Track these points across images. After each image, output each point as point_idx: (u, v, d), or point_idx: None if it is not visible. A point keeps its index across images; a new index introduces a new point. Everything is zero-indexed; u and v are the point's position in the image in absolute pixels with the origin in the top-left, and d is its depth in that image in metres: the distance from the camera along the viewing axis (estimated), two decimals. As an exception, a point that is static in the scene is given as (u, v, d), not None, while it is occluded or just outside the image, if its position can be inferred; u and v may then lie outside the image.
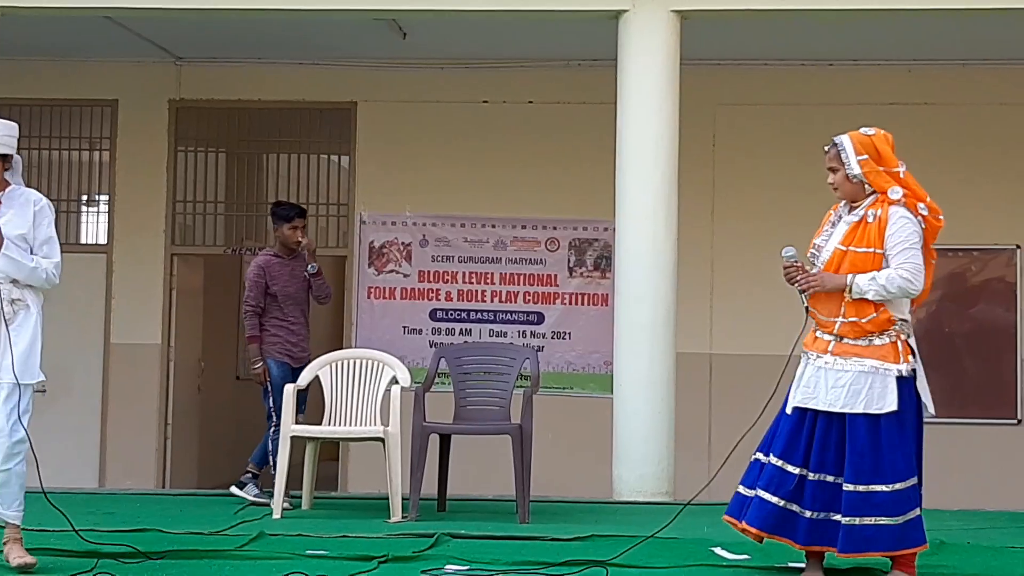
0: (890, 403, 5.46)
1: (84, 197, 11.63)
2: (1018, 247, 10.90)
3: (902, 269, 5.50)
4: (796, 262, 5.70)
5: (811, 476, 5.56)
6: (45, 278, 5.78)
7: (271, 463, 8.03)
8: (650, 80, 8.78)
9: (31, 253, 5.74)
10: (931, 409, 5.56)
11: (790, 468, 5.58)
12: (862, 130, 5.75)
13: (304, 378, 7.98)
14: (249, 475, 8.32)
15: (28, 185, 11.31)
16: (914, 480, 5.51)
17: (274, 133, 11.50)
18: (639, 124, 8.78)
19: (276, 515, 7.49)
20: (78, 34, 10.45)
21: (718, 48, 10.47)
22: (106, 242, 11.40)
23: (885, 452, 5.46)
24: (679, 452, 8.70)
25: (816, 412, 5.62)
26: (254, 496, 8.17)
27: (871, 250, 5.56)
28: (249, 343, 8.42)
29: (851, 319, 5.58)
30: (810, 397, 5.62)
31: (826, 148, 5.77)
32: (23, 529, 5.79)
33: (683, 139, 8.91)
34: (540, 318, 11.09)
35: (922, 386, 5.56)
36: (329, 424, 7.91)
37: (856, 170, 5.65)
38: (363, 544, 6.41)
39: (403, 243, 11.21)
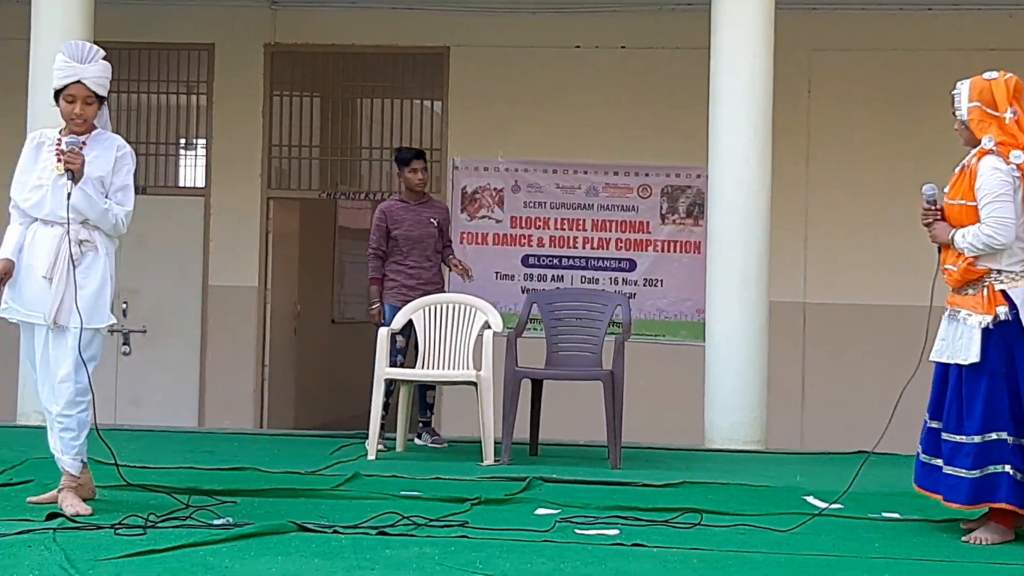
0: (973, 354, 5.40)
1: (183, 141, 11.79)
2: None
3: (985, 224, 5.41)
4: (933, 202, 5.64)
5: (931, 424, 5.59)
6: (114, 223, 5.62)
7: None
8: (744, 25, 8.68)
9: (106, 197, 5.63)
10: None
11: (931, 423, 5.60)
12: (985, 74, 5.61)
13: (398, 321, 8.06)
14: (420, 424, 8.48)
15: (129, 128, 11.66)
16: (1000, 435, 5.41)
17: (368, 78, 11.56)
18: (733, 69, 8.70)
19: (371, 456, 7.60)
20: (176, -21, 10.58)
21: (814, -8, 10.35)
22: (204, 185, 11.55)
23: (966, 403, 5.43)
24: (771, 401, 8.68)
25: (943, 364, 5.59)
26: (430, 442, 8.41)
27: (961, 202, 5.50)
28: (370, 284, 8.56)
29: (947, 267, 5.57)
30: (934, 350, 5.62)
31: (952, 92, 5.67)
32: (121, 466, 5.84)
33: (777, 85, 8.81)
34: (632, 265, 11.08)
35: None
36: (423, 368, 8.00)
37: (964, 116, 5.57)
38: (456, 486, 6.49)
39: (495, 189, 11.24)
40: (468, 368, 7.88)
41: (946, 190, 5.66)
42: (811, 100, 10.94)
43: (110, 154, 5.66)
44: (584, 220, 11.15)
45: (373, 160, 11.62)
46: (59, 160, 5.54)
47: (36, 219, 5.60)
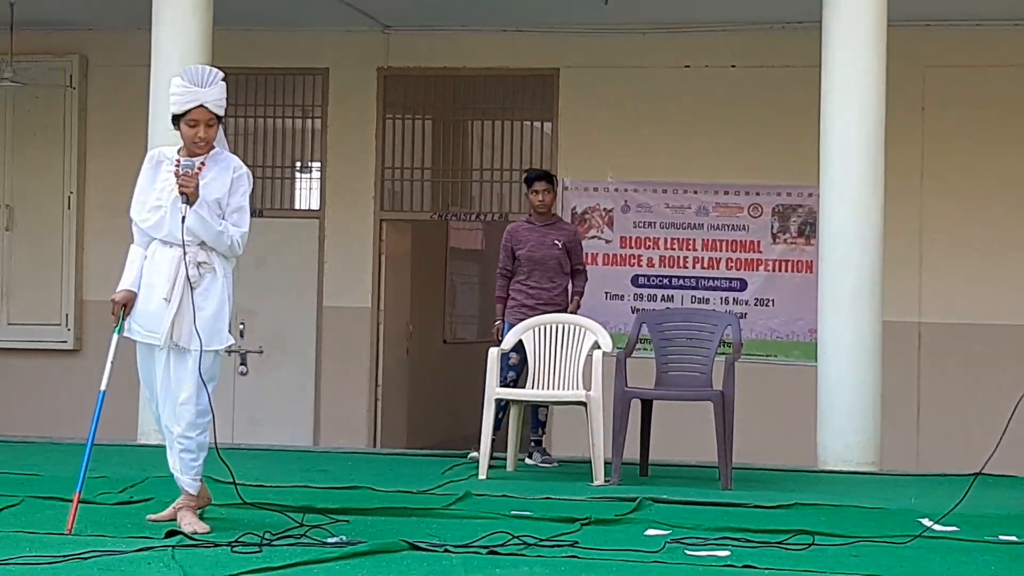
0: None
1: (298, 164, 11.99)
2: None
3: None
4: None
5: None
6: (230, 244, 5.63)
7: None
8: (856, 42, 8.63)
9: (222, 219, 5.65)
10: None
11: None
12: None
13: (508, 341, 8.13)
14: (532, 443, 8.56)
15: (246, 152, 11.89)
16: None
17: (479, 100, 11.67)
18: (845, 87, 8.64)
19: (482, 475, 7.66)
20: (290, 4, 10.79)
21: (926, 8, 10.23)
22: (319, 207, 11.74)
23: None
24: (885, 422, 8.58)
25: None
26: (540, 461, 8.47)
27: None
28: (496, 303, 8.73)
29: None
30: None
31: None
32: (239, 484, 5.95)
33: (890, 103, 8.74)
34: (743, 285, 11.03)
35: None
36: (533, 388, 8.04)
37: None
38: (566, 506, 6.52)
39: (605, 209, 11.27)
40: (578, 388, 7.91)
41: None
42: (925, 117, 10.82)
43: (226, 175, 5.68)
44: (694, 240, 11.13)
45: (484, 181, 11.71)
46: (177, 175, 5.60)
47: (155, 239, 5.66)
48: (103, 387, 5.69)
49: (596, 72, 11.28)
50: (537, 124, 11.66)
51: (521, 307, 8.52)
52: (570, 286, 8.75)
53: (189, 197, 5.55)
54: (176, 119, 5.68)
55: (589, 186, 11.29)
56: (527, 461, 8.52)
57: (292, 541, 5.32)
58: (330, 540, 5.35)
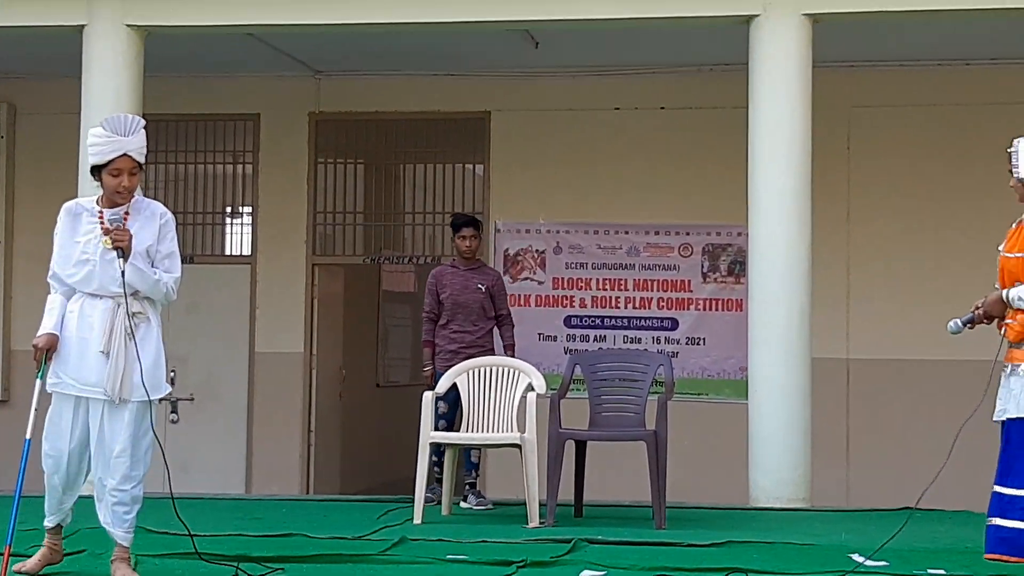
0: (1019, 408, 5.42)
1: (228, 209, 11.96)
2: None
3: None
4: (970, 323, 5.73)
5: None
6: (165, 292, 5.63)
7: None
8: (782, 84, 8.77)
9: (153, 266, 5.62)
10: None
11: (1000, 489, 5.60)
12: None
13: (442, 385, 8.14)
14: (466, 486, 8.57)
15: (176, 198, 11.83)
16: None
17: (410, 144, 11.72)
18: (772, 128, 8.78)
19: (417, 520, 7.65)
20: (221, 51, 10.77)
21: (851, 50, 10.40)
22: (250, 253, 11.71)
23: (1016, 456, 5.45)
24: (816, 458, 8.67)
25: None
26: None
27: (1020, 255, 5.54)
28: (423, 347, 8.79)
29: (1008, 321, 5.62)
30: (997, 410, 5.62)
31: (1008, 150, 5.74)
32: (168, 534, 5.91)
33: (816, 142, 8.88)
34: (674, 324, 11.12)
35: None
36: (467, 431, 8.05)
37: (1022, 174, 5.63)
38: (502, 549, 6.52)
39: (537, 250, 11.33)
40: (512, 430, 7.93)
41: (1001, 246, 5.70)
42: (851, 155, 10.99)
43: (154, 223, 5.64)
44: (626, 280, 11.21)
45: (416, 224, 11.74)
46: (105, 235, 5.53)
47: (81, 292, 5.60)
48: (28, 435, 5.63)
49: (527, 114, 11.37)
50: (469, 167, 11.73)
51: (445, 352, 8.60)
52: (497, 335, 8.78)
53: (124, 251, 5.49)
54: (96, 169, 5.61)
55: (521, 228, 11.35)
56: (462, 504, 8.52)
57: (227, 591, 5.28)
58: (265, 589, 5.33)
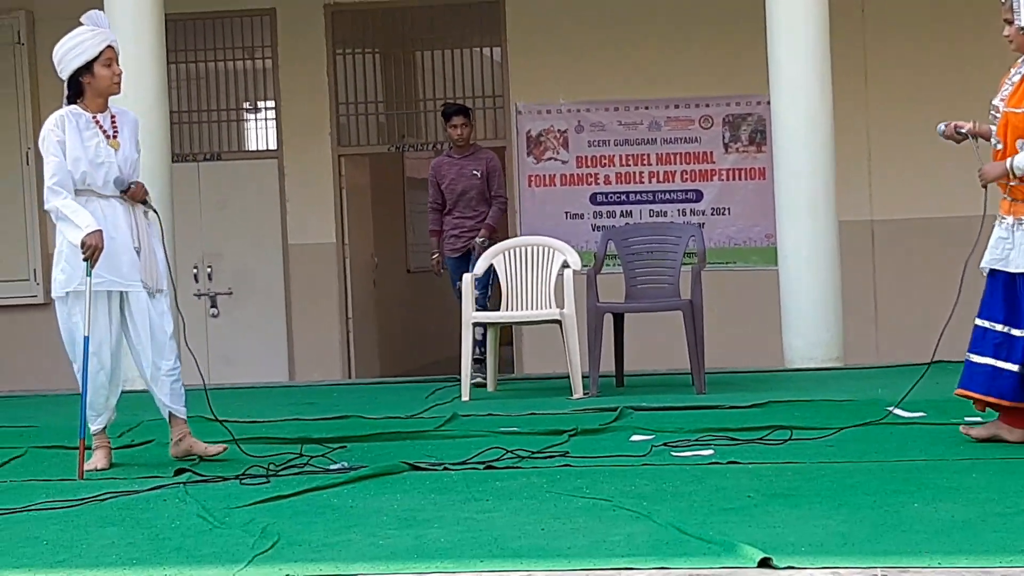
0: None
1: (248, 105, 12.06)
2: None
3: None
4: (962, 135, 5.74)
5: (1015, 332, 5.55)
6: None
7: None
8: (797, -49, 8.80)
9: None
10: None
11: (992, 326, 5.59)
12: None
13: (479, 266, 8.33)
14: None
15: (198, 96, 11.94)
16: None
17: (427, 31, 11.76)
18: (788, -2, 8.83)
19: (464, 397, 7.90)
20: (236, -53, 10.81)
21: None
22: (276, 147, 11.84)
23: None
24: (846, 319, 8.87)
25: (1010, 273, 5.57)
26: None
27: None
28: (430, 236, 9.03)
29: (1012, 183, 5.61)
30: (998, 259, 5.65)
31: (1001, 1, 5.65)
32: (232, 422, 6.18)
33: (833, 8, 8.94)
34: (699, 195, 11.26)
35: None
36: (507, 309, 8.27)
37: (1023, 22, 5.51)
38: (551, 420, 6.78)
39: (559, 130, 11.44)
40: (551, 307, 8.14)
41: (998, 99, 5.63)
42: (866, 19, 11.02)
43: (135, 131, 5.97)
44: (648, 155, 11.33)
45: (436, 111, 11.80)
46: (124, 194, 5.83)
47: (80, 194, 5.74)
48: (86, 332, 5.80)
49: (541, -6, 11.40)
50: (487, 51, 11.78)
51: (449, 237, 8.86)
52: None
53: (146, 200, 5.92)
54: (80, 70, 5.76)
55: (542, 109, 11.45)
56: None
57: (297, 471, 5.54)
58: (333, 467, 5.58)
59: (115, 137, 5.83)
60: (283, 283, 11.67)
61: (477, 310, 8.48)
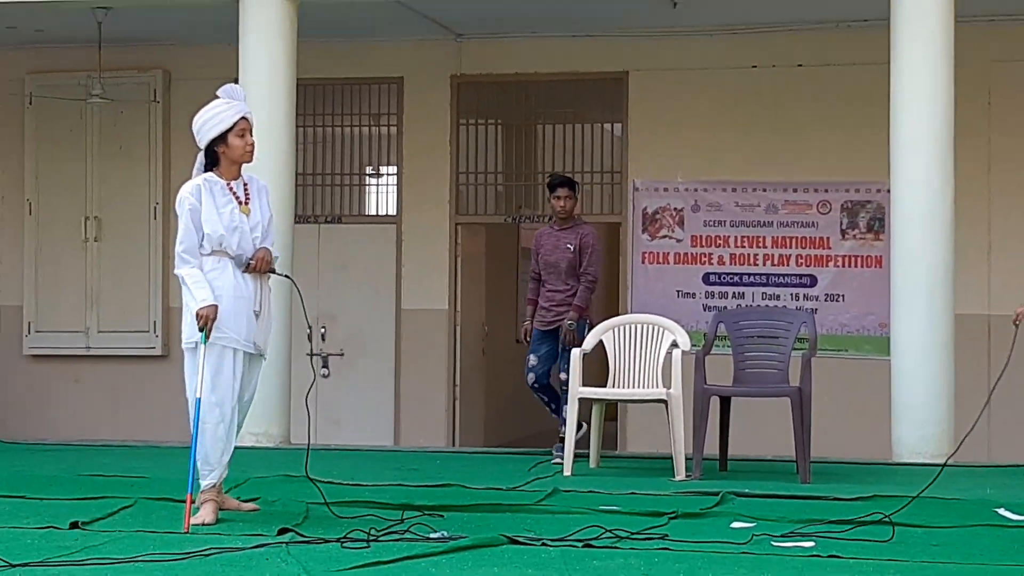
0: None
1: (371, 169, 12.29)
2: None
3: None
4: None
5: None
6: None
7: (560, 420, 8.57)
8: (924, 39, 8.80)
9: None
10: None
11: None
12: None
13: (588, 343, 8.36)
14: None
15: (324, 160, 12.27)
16: None
17: (549, 104, 11.91)
18: (913, 84, 8.82)
19: (567, 472, 7.91)
20: (368, 16, 11.08)
21: (992, 4, 10.34)
22: (395, 212, 12.03)
23: None
24: (958, 414, 8.73)
25: None
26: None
27: None
28: (527, 305, 9.07)
29: None
30: None
31: None
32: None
33: (958, 98, 8.91)
34: (813, 281, 11.20)
35: None
36: (613, 386, 8.28)
37: None
38: (652, 501, 6.75)
39: (675, 209, 11.47)
40: (658, 386, 8.14)
41: None
42: (991, 111, 10.94)
43: (264, 197, 6.26)
44: (764, 237, 11.31)
45: (553, 184, 11.93)
46: (248, 270, 6.13)
47: (224, 256, 6.06)
48: (199, 394, 6.04)
49: (665, 74, 11.50)
50: (607, 126, 11.89)
51: (541, 309, 8.80)
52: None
53: (273, 270, 6.23)
54: (215, 141, 6.11)
55: (659, 186, 11.50)
56: (554, 452, 8.64)
57: (397, 537, 5.59)
58: (433, 535, 5.62)
59: (247, 203, 6.15)
60: (394, 347, 11.82)
61: (530, 382, 8.51)
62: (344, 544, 5.43)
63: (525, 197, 12.10)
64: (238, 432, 6.22)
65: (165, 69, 12.13)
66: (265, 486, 6.71)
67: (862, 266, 11.12)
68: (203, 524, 5.95)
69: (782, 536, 5.78)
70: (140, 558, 5.09)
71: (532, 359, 8.71)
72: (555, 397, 8.65)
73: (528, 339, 8.84)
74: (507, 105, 12.02)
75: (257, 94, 9.37)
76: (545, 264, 8.83)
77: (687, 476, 7.72)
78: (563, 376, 8.56)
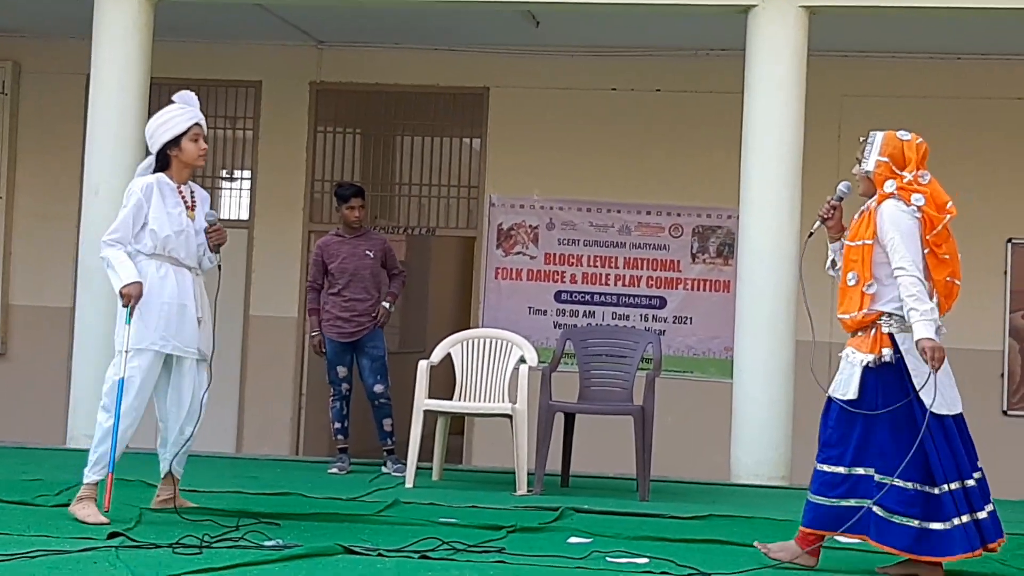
0: (852, 391, 5.58)
1: (223, 172, 12.12)
2: None
3: (902, 270, 5.50)
4: (840, 199, 5.86)
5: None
6: (210, 266, 6.55)
7: (332, 430, 8.77)
8: (777, 73, 8.97)
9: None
10: (928, 402, 5.44)
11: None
12: (899, 133, 5.81)
13: (436, 355, 8.35)
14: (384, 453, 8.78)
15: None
16: (860, 471, 5.55)
17: (409, 116, 11.89)
18: (765, 115, 8.98)
19: (409, 484, 7.88)
20: (227, 18, 10.93)
21: (844, 40, 10.60)
22: (248, 217, 11.88)
23: (830, 433, 5.63)
24: (795, 438, 8.91)
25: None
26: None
27: (860, 243, 5.65)
28: (308, 316, 9.04)
29: (841, 316, 5.80)
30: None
31: (860, 139, 5.85)
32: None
33: (808, 130, 9.10)
34: (662, 302, 11.35)
35: (920, 382, 5.46)
36: (459, 400, 8.29)
37: (869, 167, 5.71)
38: (491, 514, 6.76)
39: (531, 226, 11.54)
40: (504, 401, 8.16)
41: (846, 235, 5.81)
42: (841, 144, 11.19)
43: (206, 205, 6.43)
44: (616, 258, 11.43)
45: (412, 196, 11.93)
46: (208, 233, 6.28)
47: (155, 258, 6.14)
48: (122, 375, 6.12)
49: (525, 92, 11.55)
50: (466, 141, 11.91)
51: (336, 319, 8.73)
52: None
53: (220, 245, 6.32)
54: (168, 144, 6.24)
55: (516, 203, 11.56)
56: (383, 470, 8.68)
57: (231, 544, 5.51)
58: (267, 543, 5.56)
59: (192, 209, 6.27)
60: (240, 354, 11.65)
61: (344, 392, 8.62)
62: (176, 550, 5.33)
63: (381, 207, 12.04)
64: (191, 438, 6.33)
65: (15, 61, 11.83)
66: (100, 488, 6.54)
67: (711, 290, 11.30)
68: (83, 521, 5.96)
69: (616, 552, 5.83)
70: (-40, 558, 4.93)
71: (343, 370, 8.75)
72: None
73: (322, 350, 8.75)
74: (366, 114, 11.97)
75: (109, 91, 9.23)
76: (342, 272, 8.73)
77: (528, 491, 7.75)
78: (379, 388, 8.57)
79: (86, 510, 6.04)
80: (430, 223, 11.85)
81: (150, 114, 9.82)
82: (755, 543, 5.81)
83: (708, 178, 11.11)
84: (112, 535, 5.58)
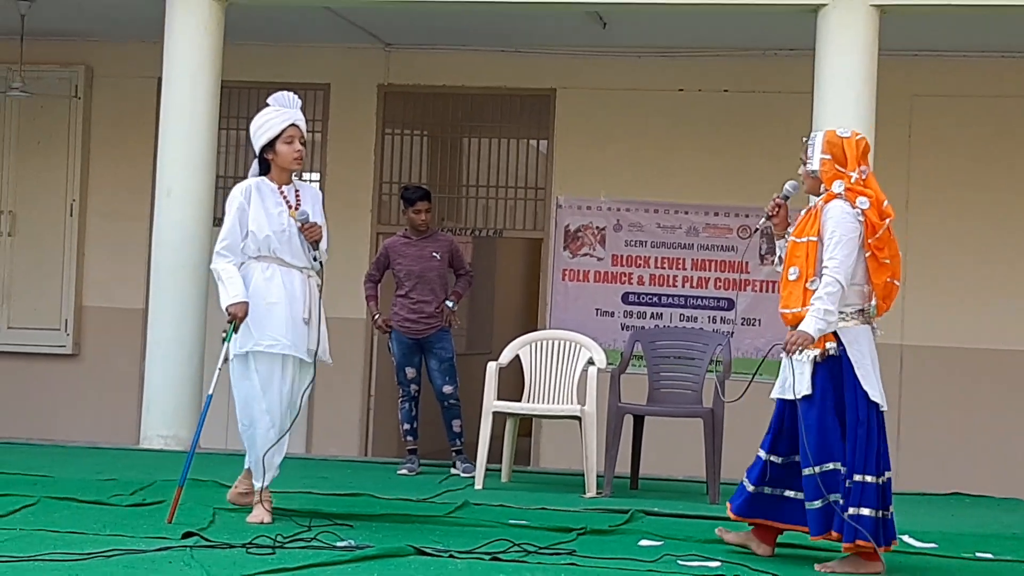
0: (803, 387, 5.56)
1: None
2: None
3: (826, 272, 5.62)
4: (787, 198, 5.92)
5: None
6: (324, 261, 6.47)
7: (401, 431, 8.74)
8: (847, 72, 8.89)
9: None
10: (873, 398, 5.64)
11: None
12: (838, 130, 5.88)
13: (505, 356, 8.36)
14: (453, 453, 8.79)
15: (246, 165, 12.09)
16: (830, 465, 5.61)
17: (476, 117, 11.91)
18: (835, 115, 8.88)
19: (478, 486, 7.89)
20: (296, 22, 11.01)
21: (915, 39, 10.50)
22: (316, 220, 11.93)
23: (802, 434, 5.61)
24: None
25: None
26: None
27: (806, 239, 5.72)
28: (367, 303, 9.08)
29: (783, 311, 5.93)
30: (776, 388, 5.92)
31: (804, 139, 5.90)
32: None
33: (879, 130, 9.01)
34: (730, 304, 11.29)
35: (863, 374, 5.66)
36: (528, 402, 8.29)
37: (815, 166, 5.76)
38: (561, 516, 6.75)
39: (598, 227, 11.52)
40: (572, 403, 8.15)
41: (790, 231, 5.89)
42: (911, 145, 11.10)
43: (317, 202, 6.41)
44: (684, 259, 11.38)
45: (479, 198, 11.96)
46: (302, 231, 6.18)
47: (262, 260, 6.14)
48: (211, 391, 6.20)
49: (592, 93, 11.54)
50: (533, 142, 11.91)
51: (405, 320, 8.73)
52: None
53: (317, 242, 6.24)
54: (265, 147, 6.23)
55: (582, 204, 11.54)
56: (452, 471, 8.68)
57: (303, 544, 5.55)
58: (340, 544, 5.59)
59: (297, 208, 6.22)
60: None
61: (412, 394, 8.61)
62: (249, 550, 5.37)
63: (448, 209, 12.07)
64: (284, 439, 6.27)
65: (88, 65, 11.97)
66: (169, 488, 6.61)
67: (779, 292, 11.18)
68: (262, 523, 6.05)
69: (688, 555, 5.80)
70: (41, 557, 5.01)
71: (411, 371, 8.73)
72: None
73: (387, 327, 8.78)
74: (433, 116, 12.00)
75: (180, 94, 9.32)
76: (408, 274, 8.75)
77: (597, 493, 7.73)
78: (448, 389, 8.58)
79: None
80: (497, 225, 11.87)
81: (220, 116, 10.05)
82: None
83: (777, 179, 10.81)
84: (186, 535, 5.63)
